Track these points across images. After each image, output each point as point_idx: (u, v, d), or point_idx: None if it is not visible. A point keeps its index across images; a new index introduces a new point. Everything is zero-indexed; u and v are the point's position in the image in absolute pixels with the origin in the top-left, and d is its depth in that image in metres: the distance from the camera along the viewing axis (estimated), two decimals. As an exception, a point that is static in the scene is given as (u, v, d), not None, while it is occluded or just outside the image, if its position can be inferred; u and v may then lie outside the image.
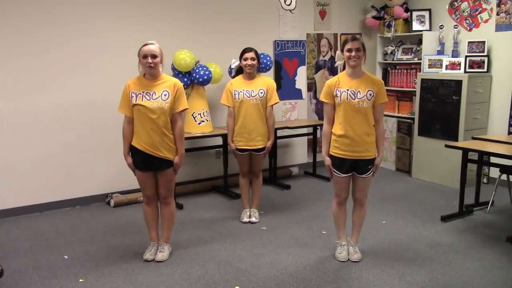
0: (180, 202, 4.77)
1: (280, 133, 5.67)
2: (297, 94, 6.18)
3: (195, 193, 5.22)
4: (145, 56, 3.22)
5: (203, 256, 3.58)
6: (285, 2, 5.61)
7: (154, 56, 3.22)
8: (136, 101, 3.27)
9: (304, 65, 6.17)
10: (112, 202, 4.80)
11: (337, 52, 3.44)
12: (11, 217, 4.44)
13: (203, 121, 4.97)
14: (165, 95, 3.27)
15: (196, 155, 5.38)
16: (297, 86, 6.16)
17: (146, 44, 3.26)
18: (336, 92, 3.27)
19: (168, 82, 3.32)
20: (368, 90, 3.21)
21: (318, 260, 3.49)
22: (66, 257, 3.59)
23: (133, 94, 3.29)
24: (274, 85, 4.23)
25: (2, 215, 4.42)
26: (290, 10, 5.90)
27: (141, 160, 3.35)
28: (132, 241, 3.89)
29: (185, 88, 4.92)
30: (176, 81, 3.37)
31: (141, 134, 3.30)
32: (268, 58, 5.14)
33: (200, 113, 4.95)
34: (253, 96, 4.09)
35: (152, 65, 3.22)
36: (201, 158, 5.47)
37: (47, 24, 4.44)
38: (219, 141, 5.21)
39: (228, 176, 5.22)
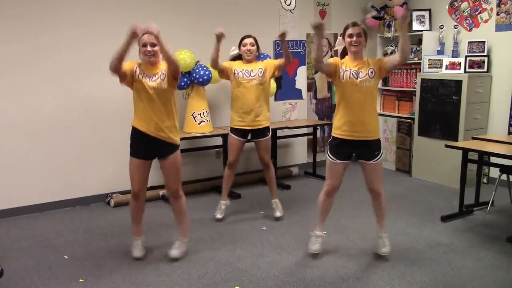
0: (180, 202, 4.77)
1: (280, 133, 5.67)
2: (297, 94, 6.18)
3: (195, 193, 5.22)
4: (144, 45, 3.23)
5: (203, 256, 3.58)
6: (285, 2, 5.62)
7: (153, 45, 3.22)
8: (137, 78, 3.25)
9: (304, 65, 6.17)
10: (112, 202, 4.80)
11: (338, 38, 3.45)
12: (11, 217, 4.44)
13: (203, 121, 4.97)
14: (162, 74, 3.27)
15: (196, 155, 5.38)
16: (297, 86, 6.16)
17: (145, 33, 3.25)
18: (340, 68, 3.27)
19: (164, 64, 3.31)
20: (370, 69, 3.23)
21: (318, 260, 3.49)
22: (66, 257, 3.59)
23: (137, 69, 3.28)
24: (271, 60, 4.28)
25: (2, 215, 4.42)
26: (290, 10, 5.90)
27: (142, 144, 3.30)
28: (132, 241, 3.88)
29: (185, 88, 4.95)
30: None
31: (143, 116, 3.27)
32: (268, 58, 5.14)
33: (200, 113, 4.95)
34: (252, 76, 4.05)
35: (151, 53, 3.23)
36: (201, 158, 5.47)
37: (50, 27, 4.46)
38: (219, 141, 5.21)
39: (228, 176, 5.22)
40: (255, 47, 4.11)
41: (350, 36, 3.22)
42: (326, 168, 3.43)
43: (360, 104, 3.24)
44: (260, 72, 4.08)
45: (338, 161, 3.33)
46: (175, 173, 3.40)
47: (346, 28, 3.27)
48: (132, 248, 3.56)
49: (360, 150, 3.31)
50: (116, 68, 3.15)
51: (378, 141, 3.33)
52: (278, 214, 4.34)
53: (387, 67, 3.25)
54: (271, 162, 4.31)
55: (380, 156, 3.33)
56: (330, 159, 3.36)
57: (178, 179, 3.43)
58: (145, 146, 3.31)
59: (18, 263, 3.47)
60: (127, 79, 3.25)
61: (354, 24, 3.24)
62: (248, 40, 4.08)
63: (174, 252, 3.51)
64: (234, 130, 4.20)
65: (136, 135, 3.32)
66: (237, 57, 4.25)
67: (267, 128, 4.21)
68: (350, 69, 3.24)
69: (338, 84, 3.31)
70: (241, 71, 4.08)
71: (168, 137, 3.31)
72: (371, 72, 3.23)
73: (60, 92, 4.60)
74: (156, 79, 3.26)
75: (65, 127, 4.65)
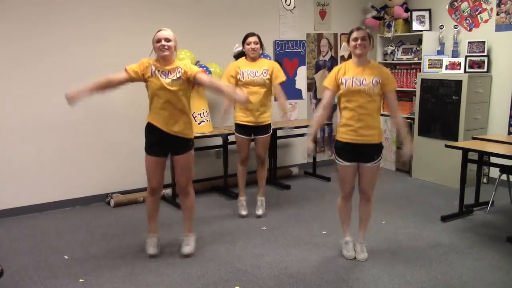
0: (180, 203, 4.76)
1: (280, 133, 5.67)
2: (297, 94, 6.18)
3: (195, 193, 5.19)
4: (158, 40, 3.23)
5: (203, 256, 3.57)
6: (285, 2, 5.62)
7: (167, 40, 3.23)
8: (154, 74, 3.25)
9: (304, 65, 6.17)
10: (112, 202, 4.79)
11: (343, 44, 3.47)
12: (11, 217, 4.44)
13: (203, 121, 4.97)
14: (179, 72, 3.28)
15: (196, 155, 5.30)
16: (297, 86, 6.16)
17: (159, 30, 3.27)
18: (341, 79, 3.28)
19: (179, 63, 3.34)
20: (374, 78, 3.22)
21: (318, 260, 3.50)
22: (66, 257, 3.58)
23: (152, 67, 3.27)
24: (277, 65, 4.27)
25: (2, 215, 4.42)
26: (290, 10, 5.90)
27: (156, 140, 3.32)
28: (132, 241, 3.89)
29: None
30: (186, 61, 3.41)
31: (157, 112, 3.29)
32: (268, 58, 5.13)
33: (200, 113, 4.95)
34: (257, 76, 4.12)
35: (166, 47, 3.22)
36: (201, 158, 5.47)
37: (50, 28, 4.45)
38: (219, 141, 5.21)
39: (228, 176, 5.22)
40: (258, 45, 4.15)
41: (355, 39, 3.21)
42: (338, 174, 3.44)
43: (363, 110, 3.25)
44: (265, 72, 4.14)
45: (347, 163, 3.33)
46: (187, 170, 3.45)
47: (350, 33, 3.28)
48: (147, 245, 3.56)
49: (362, 152, 3.31)
50: (109, 88, 3.36)
51: (379, 146, 3.34)
52: (260, 212, 4.37)
53: (387, 95, 3.35)
54: (267, 159, 4.36)
55: (379, 161, 3.34)
56: (339, 162, 3.37)
57: (189, 176, 3.48)
58: (160, 142, 3.33)
59: (18, 263, 3.47)
60: (137, 79, 3.29)
61: (359, 29, 3.26)
62: (252, 39, 4.12)
63: (186, 248, 3.54)
64: (238, 127, 4.25)
65: (151, 130, 3.33)
66: (241, 53, 4.29)
67: (269, 125, 4.28)
68: (353, 77, 3.24)
69: (341, 93, 3.31)
70: (246, 71, 4.12)
71: (182, 133, 3.35)
72: (375, 82, 3.22)
73: (60, 92, 4.58)
74: (172, 77, 3.27)
75: (65, 127, 4.64)
